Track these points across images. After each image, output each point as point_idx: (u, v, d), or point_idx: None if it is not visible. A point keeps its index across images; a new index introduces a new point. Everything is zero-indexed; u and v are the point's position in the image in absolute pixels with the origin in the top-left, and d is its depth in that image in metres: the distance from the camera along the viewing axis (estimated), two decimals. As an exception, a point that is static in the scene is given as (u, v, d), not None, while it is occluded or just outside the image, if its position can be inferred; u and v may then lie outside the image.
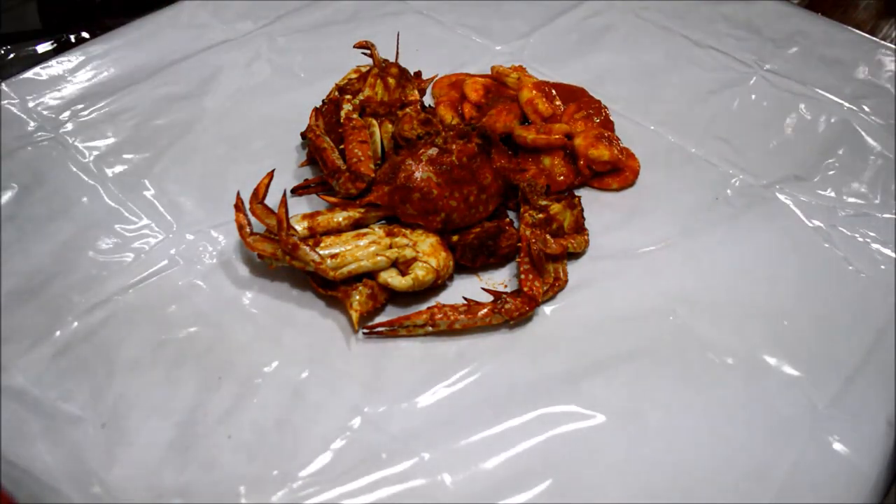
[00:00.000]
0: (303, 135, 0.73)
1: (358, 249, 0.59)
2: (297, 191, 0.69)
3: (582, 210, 0.68)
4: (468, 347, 0.58)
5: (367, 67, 0.78)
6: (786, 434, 0.54)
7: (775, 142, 0.80)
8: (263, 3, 0.94)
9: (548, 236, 0.63)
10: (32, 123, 0.74)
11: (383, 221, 0.65)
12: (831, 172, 0.77)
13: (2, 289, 0.60)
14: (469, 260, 0.63)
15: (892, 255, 0.68)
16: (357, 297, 0.58)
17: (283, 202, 0.58)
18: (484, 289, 0.62)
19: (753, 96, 0.86)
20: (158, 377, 0.55)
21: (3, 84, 0.78)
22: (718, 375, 0.58)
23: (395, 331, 0.59)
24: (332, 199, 0.64)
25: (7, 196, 0.67)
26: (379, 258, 0.59)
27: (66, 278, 0.61)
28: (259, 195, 0.61)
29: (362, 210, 0.63)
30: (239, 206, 0.60)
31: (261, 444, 0.51)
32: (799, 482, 0.51)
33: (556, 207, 0.66)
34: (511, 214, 0.68)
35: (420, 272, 0.59)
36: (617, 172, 0.74)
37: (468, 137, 0.65)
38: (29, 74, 0.80)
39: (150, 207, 0.67)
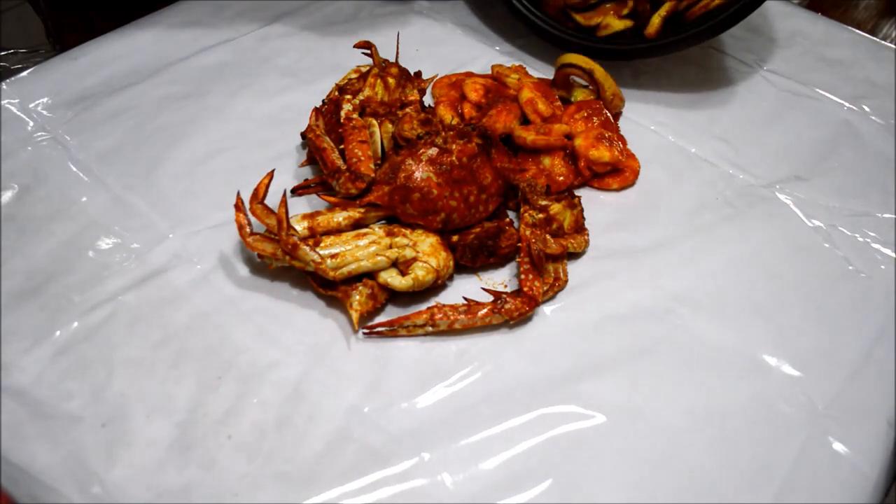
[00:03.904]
0: (303, 135, 0.73)
1: (358, 249, 0.59)
2: (297, 191, 0.69)
3: (582, 210, 0.68)
4: (468, 347, 0.58)
5: (367, 67, 0.78)
6: (786, 434, 0.54)
7: (775, 142, 0.80)
8: (263, 3, 0.94)
9: (548, 236, 0.63)
10: (32, 123, 0.74)
11: (383, 221, 0.65)
12: (831, 172, 0.77)
13: (2, 289, 0.60)
14: (469, 260, 0.63)
15: (892, 255, 0.68)
16: (357, 297, 0.58)
17: (283, 202, 0.58)
18: (484, 289, 0.62)
19: (753, 96, 0.86)
20: (158, 377, 0.55)
21: (3, 84, 0.78)
22: (718, 375, 0.58)
23: (395, 331, 0.59)
24: (332, 199, 0.64)
25: (7, 196, 0.67)
26: (379, 258, 0.59)
27: (66, 278, 0.61)
28: (259, 195, 0.61)
29: (362, 210, 0.63)
30: (239, 206, 0.60)
31: (261, 444, 0.51)
32: (799, 482, 0.51)
33: (556, 207, 0.66)
34: (511, 214, 0.68)
35: (420, 272, 0.59)
36: (617, 172, 0.74)
37: (468, 137, 0.65)
38: (29, 74, 0.80)
39: (150, 207, 0.67)
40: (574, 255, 0.66)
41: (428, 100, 0.82)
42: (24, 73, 0.80)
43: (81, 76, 0.80)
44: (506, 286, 0.64)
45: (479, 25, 0.95)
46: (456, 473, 0.50)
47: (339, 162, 0.66)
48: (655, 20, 0.79)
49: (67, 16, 0.96)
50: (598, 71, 0.78)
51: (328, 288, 0.59)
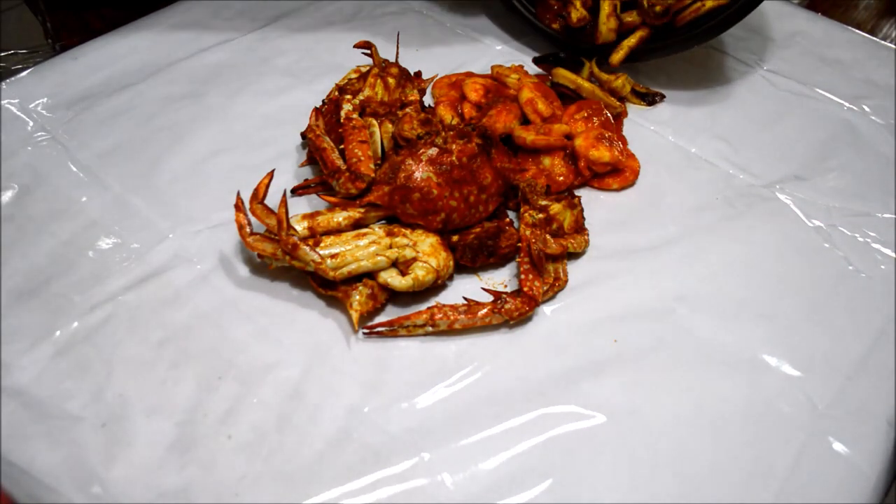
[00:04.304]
0: (303, 135, 0.73)
1: (358, 249, 0.59)
2: (297, 191, 0.69)
3: (582, 210, 0.68)
4: (468, 347, 0.59)
5: (367, 67, 0.78)
6: (786, 434, 0.54)
7: (775, 142, 0.80)
8: (263, 3, 0.94)
9: (548, 236, 0.63)
10: (32, 123, 0.74)
11: (383, 221, 0.65)
12: (831, 172, 0.77)
13: (2, 289, 0.60)
14: (469, 260, 0.63)
15: (892, 255, 0.68)
16: (357, 297, 0.58)
17: (283, 202, 0.58)
18: (484, 289, 0.62)
19: (753, 96, 0.86)
20: (158, 377, 0.55)
21: (3, 84, 0.78)
22: (718, 375, 0.58)
23: (395, 331, 0.59)
24: (332, 199, 0.64)
25: (7, 196, 0.67)
26: (379, 258, 0.59)
27: (66, 278, 0.61)
28: (259, 195, 0.61)
29: (362, 210, 0.63)
30: (239, 206, 0.60)
31: (261, 444, 0.51)
32: (799, 482, 0.51)
33: (556, 207, 0.66)
34: (511, 214, 0.68)
35: (420, 272, 0.59)
36: (617, 172, 0.74)
37: (468, 137, 0.65)
38: (29, 74, 0.80)
39: (151, 207, 0.67)
40: (574, 255, 0.66)
41: (428, 100, 0.82)
42: (24, 73, 0.80)
43: (81, 76, 0.80)
44: (506, 286, 0.64)
45: (479, 25, 0.95)
46: (456, 473, 0.50)
47: (339, 162, 0.66)
48: (620, 53, 0.80)
49: (65, 17, 0.96)
50: (585, 88, 0.79)
51: (328, 288, 0.59)
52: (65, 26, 0.96)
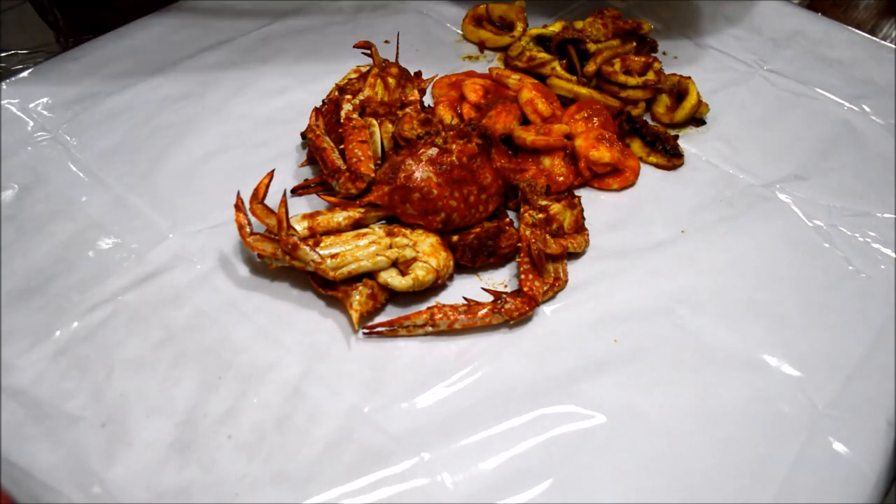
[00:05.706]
0: (303, 135, 0.73)
1: (358, 249, 0.59)
2: (297, 191, 0.69)
3: (582, 210, 0.68)
4: (468, 347, 0.59)
5: (367, 67, 0.78)
6: (786, 434, 0.54)
7: (775, 142, 0.80)
8: (263, 4, 0.94)
9: (548, 236, 0.63)
10: (32, 123, 0.74)
11: (383, 221, 0.65)
12: (831, 172, 0.77)
13: (2, 289, 0.60)
14: (469, 260, 0.63)
15: (892, 255, 0.68)
16: (357, 297, 0.58)
17: (283, 202, 0.58)
18: (484, 289, 0.62)
19: (753, 96, 0.87)
20: (158, 377, 0.55)
21: (3, 84, 0.78)
22: (718, 375, 0.58)
23: (395, 331, 0.59)
24: (332, 199, 0.64)
25: (7, 196, 0.67)
26: (379, 258, 0.59)
27: (66, 278, 0.61)
28: (259, 195, 0.61)
29: (362, 210, 0.63)
30: (239, 206, 0.60)
31: (261, 444, 0.51)
32: (799, 482, 0.51)
33: (556, 207, 0.66)
34: (511, 214, 0.68)
35: (420, 272, 0.59)
36: (617, 172, 0.74)
37: (468, 137, 0.65)
38: (29, 74, 0.80)
39: (150, 207, 0.67)
40: (574, 255, 0.66)
41: (428, 100, 0.82)
42: (24, 74, 0.80)
43: (81, 76, 0.80)
44: (506, 286, 0.64)
45: (479, 25, 0.95)
46: (456, 473, 0.50)
47: (339, 162, 0.66)
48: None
49: (73, 14, 0.96)
50: (583, 93, 0.78)
51: (328, 288, 0.59)
52: (72, 26, 0.95)
